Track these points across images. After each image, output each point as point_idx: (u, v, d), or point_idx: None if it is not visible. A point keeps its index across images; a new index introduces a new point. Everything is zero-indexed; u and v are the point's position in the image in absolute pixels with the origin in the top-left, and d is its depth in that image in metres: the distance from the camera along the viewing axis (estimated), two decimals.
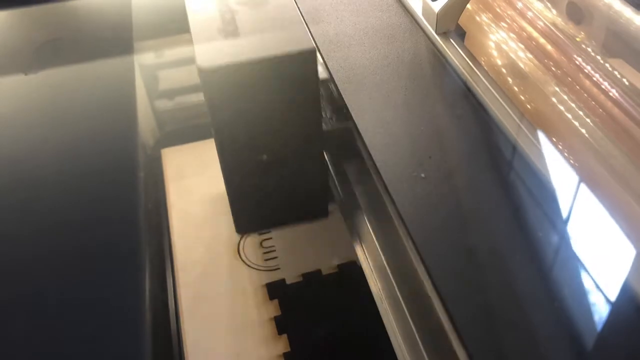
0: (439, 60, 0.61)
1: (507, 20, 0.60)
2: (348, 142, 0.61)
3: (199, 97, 0.93)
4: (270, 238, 0.80)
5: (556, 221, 0.48)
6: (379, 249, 0.57)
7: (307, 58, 0.55)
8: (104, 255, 0.39)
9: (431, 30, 0.63)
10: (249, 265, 0.78)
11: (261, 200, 0.67)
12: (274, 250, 0.79)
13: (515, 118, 0.55)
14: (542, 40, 0.59)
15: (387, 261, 0.56)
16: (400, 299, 0.54)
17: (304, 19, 0.59)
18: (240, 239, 0.80)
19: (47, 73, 0.47)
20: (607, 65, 0.49)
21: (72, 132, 0.44)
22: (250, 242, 0.80)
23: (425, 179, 0.51)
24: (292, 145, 0.61)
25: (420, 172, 0.52)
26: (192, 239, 0.80)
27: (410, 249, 0.49)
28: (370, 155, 0.52)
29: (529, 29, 0.58)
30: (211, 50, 0.54)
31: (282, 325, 0.72)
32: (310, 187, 0.68)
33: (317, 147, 0.63)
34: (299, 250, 0.79)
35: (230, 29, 0.56)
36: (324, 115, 0.64)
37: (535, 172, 0.51)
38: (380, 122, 0.57)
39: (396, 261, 0.56)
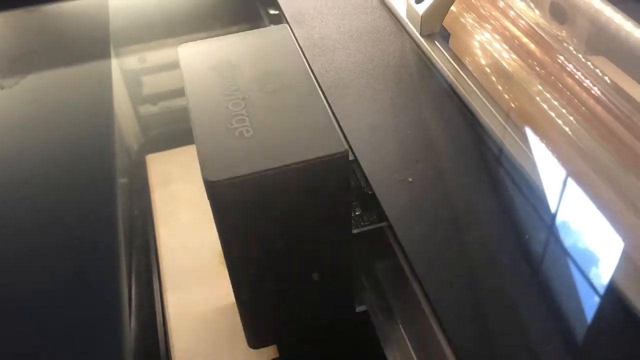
0: (424, 63, 0.61)
1: (491, 20, 0.60)
2: (380, 243, 0.54)
3: (182, 102, 0.92)
4: None
5: (543, 220, 0.48)
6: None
7: (337, 163, 0.43)
8: (86, 262, 0.38)
9: (416, 33, 0.63)
10: None
11: (279, 313, 0.56)
12: None
13: (500, 119, 0.55)
14: (525, 40, 0.58)
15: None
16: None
17: (325, 97, 0.49)
18: None
19: (24, 86, 0.45)
20: (589, 63, 0.49)
21: (49, 142, 0.42)
22: None
23: (413, 182, 0.51)
24: (317, 254, 0.51)
25: (408, 176, 0.51)
26: (178, 245, 0.78)
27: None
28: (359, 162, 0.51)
29: (513, 29, 0.58)
30: (220, 156, 0.43)
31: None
32: (334, 296, 0.56)
33: (344, 255, 0.52)
34: None
35: (242, 126, 0.45)
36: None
37: (521, 172, 0.50)
38: (366, 125, 0.57)
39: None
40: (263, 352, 0.70)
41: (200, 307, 0.72)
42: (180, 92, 0.93)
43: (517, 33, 0.58)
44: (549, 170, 0.50)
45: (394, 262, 0.50)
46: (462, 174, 0.52)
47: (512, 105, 0.56)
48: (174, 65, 0.97)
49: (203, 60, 0.52)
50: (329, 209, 0.47)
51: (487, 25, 0.61)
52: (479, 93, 0.57)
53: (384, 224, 0.51)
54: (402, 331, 0.52)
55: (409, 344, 0.51)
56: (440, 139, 0.56)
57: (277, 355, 0.70)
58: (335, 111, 0.56)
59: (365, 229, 0.52)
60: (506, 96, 0.56)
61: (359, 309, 0.59)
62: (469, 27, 0.62)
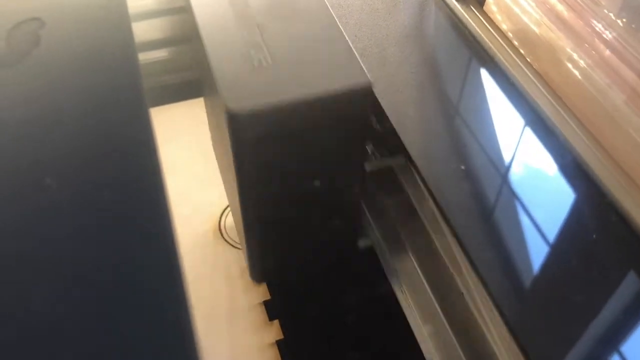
0: (458, 27, 0.56)
1: None
2: (390, 178, 0.52)
3: (179, 50, 0.83)
4: None
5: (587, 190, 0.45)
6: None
7: (360, 96, 0.41)
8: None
9: None
10: (232, 245, 0.71)
11: (285, 247, 0.54)
12: None
13: (539, 85, 0.51)
14: (560, 6, 0.54)
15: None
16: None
17: (348, 40, 0.44)
18: (222, 215, 0.74)
19: (28, 62, 0.38)
20: (625, 29, 0.46)
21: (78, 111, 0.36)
22: (232, 219, 0.73)
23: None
24: (328, 187, 0.49)
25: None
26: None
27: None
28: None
29: None
30: (240, 87, 0.40)
31: (272, 310, 0.66)
32: (342, 231, 0.55)
33: (356, 190, 0.50)
34: None
35: (260, 54, 0.42)
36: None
37: (562, 140, 0.47)
38: (407, 104, 0.52)
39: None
40: (266, 330, 0.65)
41: (194, 283, 0.67)
42: (175, 42, 0.84)
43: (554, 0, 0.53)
44: (585, 141, 0.47)
45: (403, 198, 0.50)
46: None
47: (549, 72, 0.52)
48: (167, 12, 0.87)
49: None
50: (346, 142, 0.45)
51: None
52: (516, 59, 0.53)
53: (399, 158, 0.50)
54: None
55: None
56: (479, 110, 0.52)
57: (280, 336, 0.66)
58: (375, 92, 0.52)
59: (380, 164, 0.51)
60: (541, 62, 0.52)
61: (362, 244, 0.58)
62: None
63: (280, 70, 0.41)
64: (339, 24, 0.44)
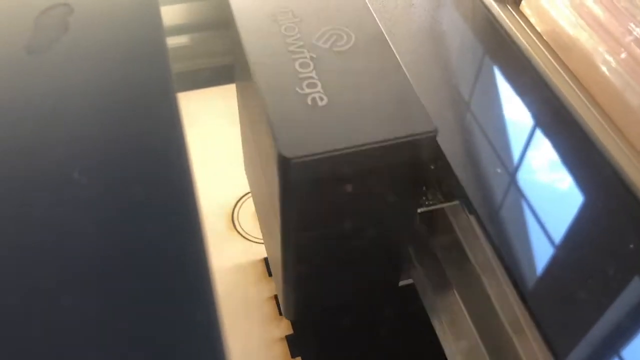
0: (495, 27, 0.55)
1: None
2: (441, 220, 0.50)
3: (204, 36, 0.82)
4: None
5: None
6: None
7: (423, 143, 0.38)
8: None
9: None
10: (245, 237, 0.70)
11: (323, 289, 0.52)
12: None
13: (576, 89, 0.50)
14: (596, 8, 0.53)
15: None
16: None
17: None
18: (235, 207, 0.72)
19: (56, 50, 0.37)
20: None
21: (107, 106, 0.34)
22: (246, 210, 0.72)
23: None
24: (377, 231, 0.46)
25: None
26: None
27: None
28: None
29: None
30: (294, 129, 0.37)
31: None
32: (385, 273, 0.54)
33: (406, 232, 0.48)
34: None
35: (314, 92, 0.39)
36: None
37: (598, 147, 0.46)
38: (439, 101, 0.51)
39: None
40: (276, 324, 0.64)
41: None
42: (199, 27, 0.82)
43: (590, 2, 0.52)
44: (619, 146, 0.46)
45: (452, 238, 0.47)
46: (538, 146, 0.47)
47: (584, 75, 0.51)
48: None
49: (259, 7, 0.44)
50: (403, 187, 0.42)
51: None
52: (553, 62, 0.52)
53: (455, 202, 0.46)
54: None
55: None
56: (513, 110, 0.51)
57: (290, 331, 0.65)
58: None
59: (432, 207, 0.46)
60: (576, 65, 0.51)
61: (403, 282, 0.56)
62: None
63: (337, 111, 0.38)
64: (398, 57, 0.42)
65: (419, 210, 0.46)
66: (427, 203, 0.47)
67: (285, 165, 0.36)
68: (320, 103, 0.38)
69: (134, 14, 0.39)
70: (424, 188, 0.48)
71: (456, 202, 0.46)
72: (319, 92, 0.39)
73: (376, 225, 0.44)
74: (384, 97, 0.39)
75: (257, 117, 0.43)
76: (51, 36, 0.37)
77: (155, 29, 0.39)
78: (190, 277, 0.30)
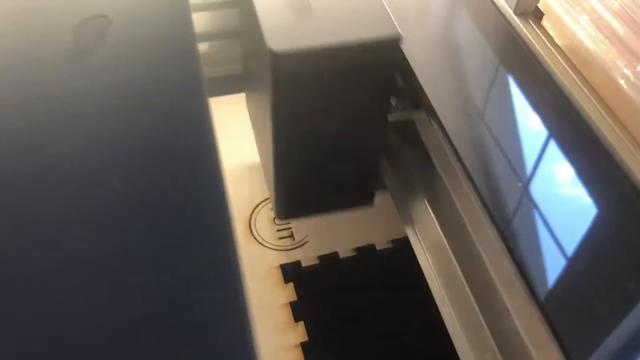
0: (516, 41, 0.55)
1: (585, 5, 0.55)
2: (411, 133, 0.55)
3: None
4: None
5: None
6: (438, 227, 0.53)
7: (390, 46, 0.47)
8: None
9: (508, 9, 0.57)
10: (261, 244, 0.71)
11: (309, 186, 0.60)
12: (289, 228, 0.72)
13: (595, 102, 0.50)
14: (615, 22, 0.53)
15: (448, 240, 0.52)
16: (463, 279, 0.50)
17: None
18: (252, 213, 0.73)
19: (93, 60, 0.38)
20: None
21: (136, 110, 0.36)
22: (263, 217, 0.73)
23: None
24: (352, 132, 0.54)
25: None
26: None
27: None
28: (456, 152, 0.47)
29: (605, 12, 0.53)
30: (282, 32, 0.46)
31: (298, 311, 0.66)
32: (361, 174, 0.61)
33: (378, 136, 0.56)
34: (316, 230, 0.73)
35: (301, 5, 0.47)
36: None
37: (615, 158, 0.46)
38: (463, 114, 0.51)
39: (458, 242, 0.51)
40: (291, 331, 0.65)
41: None
42: (222, 35, 0.83)
43: (610, 17, 0.52)
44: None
45: (421, 151, 0.53)
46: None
47: (605, 92, 0.50)
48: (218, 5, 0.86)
49: None
50: (373, 91, 0.50)
51: (580, 7, 0.55)
52: (570, 72, 0.52)
53: (422, 113, 0.54)
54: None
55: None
56: (532, 121, 0.51)
57: (305, 338, 0.65)
58: (431, 100, 0.53)
59: (402, 115, 0.55)
60: (595, 80, 0.51)
61: (379, 194, 0.64)
62: (561, 8, 0.56)
63: (318, 16, 0.46)
64: None
65: (390, 119, 0.54)
66: (397, 110, 0.55)
67: (275, 59, 0.44)
68: (306, 10, 0.46)
69: (168, 23, 0.41)
70: (395, 99, 0.56)
71: (422, 113, 0.52)
72: (307, 1, 0.47)
73: (350, 125, 0.53)
74: (360, 9, 0.48)
75: (254, 39, 0.50)
76: (90, 45, 0.39)
77: (187, 37, 0.40)
78: (222, 284, 0.30)
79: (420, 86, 0.51)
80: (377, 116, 0.53)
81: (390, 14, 0.48)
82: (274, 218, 0.73)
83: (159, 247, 0.30)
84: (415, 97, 0.53)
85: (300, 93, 0.48)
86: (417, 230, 0.55)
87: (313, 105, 0.49)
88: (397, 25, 0.47)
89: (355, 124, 0.53)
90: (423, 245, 0.54)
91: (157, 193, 0.32)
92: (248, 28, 0.55)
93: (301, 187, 0.59)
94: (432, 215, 0.53)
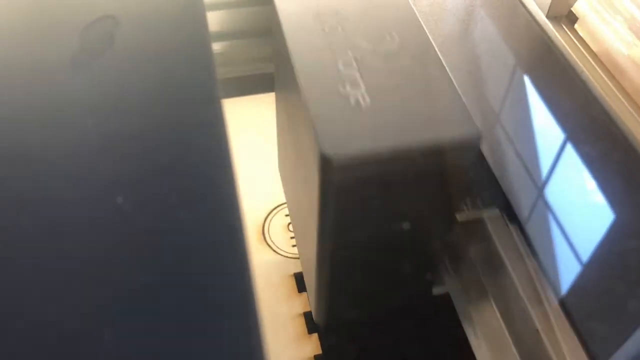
0: (548, 46, 0.53)
1: (621, 8, 0.53)
2: (478, 231, 0.49)
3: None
4: None
5: None
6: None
7: (467, 148, 0.38)
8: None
9: (539, 12, 0.55)
10: (275, 251, 0.69)
11: (357, 296, 0.52)
12: None
13: (631, 109, 0.48)
14: None
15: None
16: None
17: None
18: (265, 219, 0.71)
19: (100, 64, 0.36)
20: None
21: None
22: (277, 223, 0.71)
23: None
24: (415, 238, 0.46)
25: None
26: None
27: None
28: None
29: None
30: (337, 128, 0.37)
31: (312, 322, 0.63)
32: (419, 282, 0.53)
33: (445, 238, 0.48)
34: None
35: (358, 92, 0.39)
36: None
37: None
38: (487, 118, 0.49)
39: None
40: (305, 343, 0.63)
41: None
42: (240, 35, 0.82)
43: None
44: None
45: (490, 248, 0.46)
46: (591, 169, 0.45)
47: (636, 93, 0.48)
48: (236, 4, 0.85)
49: (303, 5, 0.43)
50: (444, 195, 0.41)
51: (615, 10, 0.53)
52: (605, 79, 0.50)
53: (494, 211, 0.46)
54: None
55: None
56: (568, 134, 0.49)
57: (319, 351, 0.63)
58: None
59: (473, 216, 0.47)
60: (628, 83, 0.49)
61: (437, 291, 0.55)
62: (596, 12, 0.54)
63: (380, 112, 0.37)
64: (442, 59, 0.41)
65: (459, 219, 0.46)
66: (466, 209, 0.47)
67: (326, 165, 0.35)
68: (363, 103, 0.37)
69: (180, 23, 0.38)
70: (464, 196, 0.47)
71: (494, 210, 0.45)
72: (362, 92, 0.38)
73: (415, 231, 0.44)
74: (428, 100, 0.38)
75: (298, 119, 0.42)
76: (97, 49, 0.37)
77: (201, 39, 0.38)
78: (233, 294, 0.28)
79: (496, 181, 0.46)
80: (444, 222, 0.45)
81: (467, 106, 0.39)
82: (288, 224, 0.71)
83: (166, 256, 0.29)
84: (487, 194, 0.48)
85: (355, 199, 0.39)
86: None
87: (370, 212, 0.41)
88: (476, 123, 0.38)
89: (418, 232, 0.45)
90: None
91: (166, 201, 0.31)
92: (287, 96, 0.47)
93: (347, 296, 0.50)
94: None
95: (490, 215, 0.46)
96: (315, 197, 0.38)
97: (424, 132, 0.36)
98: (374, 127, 0.36)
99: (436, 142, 0.36)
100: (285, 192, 0.61)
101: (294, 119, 0.45)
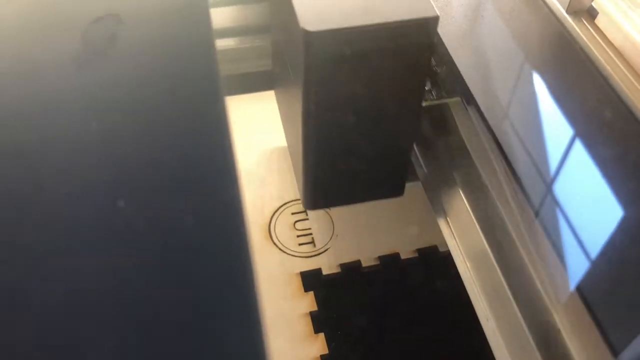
0: (569, 41, 0.52)
1: None
2: (445, 119, 0.52)
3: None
4: (307, 219, 0.70)
5: None
6: (473, 218, 0.51)
7: (427, 27, 0.45)
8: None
9: (559, 7, 0.54)
10: (280, 249, 0.67)
11: (338, 174, 0.58)
12: (310, 234, 0.69)
13: None
14: None
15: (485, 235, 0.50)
16: (504, 283, 0.47)
17: None
18: (272, 217, 0.70)
19: (103, 63, 0.35)
20: None
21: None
22: (283, 222, 0.69)
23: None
24: (385, 117, 0.52)
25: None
26: None
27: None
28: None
29: None
30: (316, 12, 0.44)
31: (319, 322, 0.62)
32: (393, 163, 0.59)
33: (412, 122, 0.54)
34: (338, 237, 0.69)
35: None
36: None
37: None
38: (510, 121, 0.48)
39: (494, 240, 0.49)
40: (310, 343, 0.61)
41: None
42: (250, 31, 0.80)
43: None
44: None
45: (456, 137, 0.52)
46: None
47: None
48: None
49: None
50: (408, 75, 0.48)
51: (637, 5, 0.52)
52: (627, 74, 0.49)
53: (456, 98, 0.53)
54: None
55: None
56: (589, 131, 0.48)
57: (325, 351, 0.61)
58: (479, 103, 0.51)
59: (435, 102, 0.55)
60: None
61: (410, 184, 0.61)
62: (618, 6, 0.53)
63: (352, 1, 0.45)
64: None
65: (424, 104, 0.53)
66: (430, 95, 0.54)
67: (308, 39, 0.43)
68: None
69: (184, 21, 0.37)
70: (429, 86, 0.55)
71: (457, 99, 0.52)
72: None
73: (386, 112, 0.51)
74: None
75: (282, 17, 0.49)
76: (100, 47, 0.35)
77: (205, 37, 0.37)
78: (236, 291, 0.27)
79: (459, 72, 0.49)
80: (411, 101, 0.51)
81: None
82: (294, 223, 0.69)
83: (169, 255, 0.27)
84: (451, 84, 0.53)
85: (332, 76, 0.47)
86: (450, 222, 0.53)
87: (345, 90, 0.48)
88: (434, 7, 0.45)
89: (389, 109, 0.51)
90: (455, 235, 0.52)
91: (169, 201, 0.29)
92: (280, 17, 0.53)
93: (330, 175, 0.57)
94: (467, 205, 0.52)
95: (454, 102, 0.53)
96: (301, 75, 0.45)
97: (389, 13, 0.44)
98: (348, 8, 0.44)
99: (398, 19, 0.44)
100: (281, 113, 0.68)
101: (285, 28, 0.52)
